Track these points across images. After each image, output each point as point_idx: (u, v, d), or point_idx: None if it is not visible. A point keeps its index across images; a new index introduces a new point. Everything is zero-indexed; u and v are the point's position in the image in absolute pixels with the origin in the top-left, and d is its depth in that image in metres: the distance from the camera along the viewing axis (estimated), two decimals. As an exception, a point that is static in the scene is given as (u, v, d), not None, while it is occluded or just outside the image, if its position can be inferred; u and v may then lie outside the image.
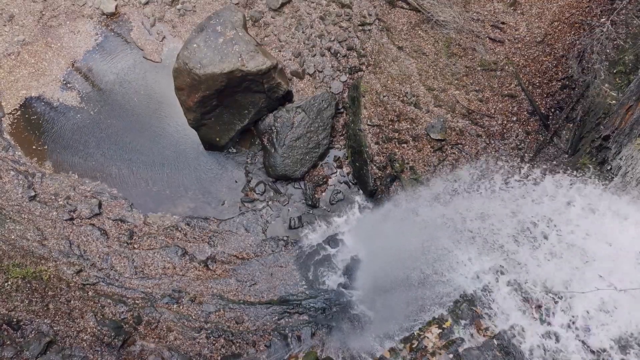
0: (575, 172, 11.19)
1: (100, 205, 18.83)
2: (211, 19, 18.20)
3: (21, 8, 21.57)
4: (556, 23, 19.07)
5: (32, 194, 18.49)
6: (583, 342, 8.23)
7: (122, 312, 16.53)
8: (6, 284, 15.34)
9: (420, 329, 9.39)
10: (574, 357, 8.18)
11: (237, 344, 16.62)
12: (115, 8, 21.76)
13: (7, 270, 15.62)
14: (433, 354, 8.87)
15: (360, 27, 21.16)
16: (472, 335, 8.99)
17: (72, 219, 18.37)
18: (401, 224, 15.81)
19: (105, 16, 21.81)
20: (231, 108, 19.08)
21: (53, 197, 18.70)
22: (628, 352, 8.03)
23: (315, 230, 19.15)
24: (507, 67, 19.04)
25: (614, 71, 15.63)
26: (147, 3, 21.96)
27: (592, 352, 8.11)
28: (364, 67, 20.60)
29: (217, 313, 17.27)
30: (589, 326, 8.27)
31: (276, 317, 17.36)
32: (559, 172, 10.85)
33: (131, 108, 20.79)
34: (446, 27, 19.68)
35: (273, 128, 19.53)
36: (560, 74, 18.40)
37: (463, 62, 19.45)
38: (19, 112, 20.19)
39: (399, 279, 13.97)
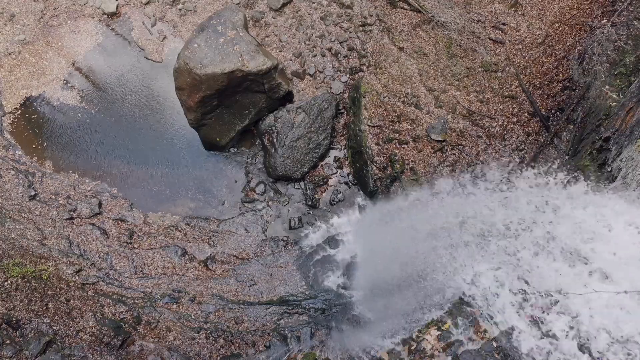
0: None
1: (100, 204, 18.83)
2: (212, 19, 18.20)
3: (22, 7, 21.57)
4: (557, 24, 19.04)
5: (32, 193, 18.49)
6: (581, 345, 8.21)
7: (122, 312, 16.51)
8: (6, 283, 15.31)
9: (419, 331, 9.38)
10: (572, 359, 8.17)
11: (237, 344, 16.60)
12: (116, 8, 21.76)
13: (7, 270, 15.59)
14: (432, 356, 8.85)
15: (361, 28, 21.15)
16: (470, 337, 8.98)
17: (72, 218, 18.37)
18: (401, 225, 15.79)
19: (106, 16, 21.81)
20: (232, 108, 19.08)
21: (53, 197, 18.70)
22: (627, 355, 8.01)
23: (315, 230, 19.14)
24: (507, 68, 19.01)
25: (615, 73, 15.61)
26: (148, 3, 21.95)
27: (591, 354, 8.09)
28: (364, 68, 20.58)
29: (216, 313, 17.26)
30: (587, 328, 8.25)
31: (276, 318, 17.34)
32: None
33: (131, 108, 20.80)
34: (447, 28, 19.66)
35: (273, 128, 19.52)
36: (561, 75, 18.38)
37: (464, 63, 19.43)
38: (19, 112, 20.20)
39: (399, 280, 13.95)
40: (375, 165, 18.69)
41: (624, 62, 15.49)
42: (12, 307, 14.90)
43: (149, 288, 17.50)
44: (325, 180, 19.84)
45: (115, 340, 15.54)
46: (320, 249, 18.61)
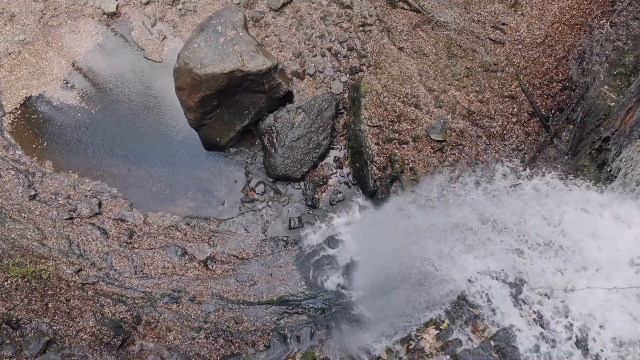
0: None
1: (100, 204, 18.84)
2: (212, 19, 18.21)
3: (22, 7, 21.59)
4: (557, 24, 19.06)
5: (32, 193, 18.50)
6: (579, 343, 8.23)
7: (122, 312, 16.51)
8: (6, 282, 15.32)
9: (417, 330, 9.40)
10: (570, 358, 8.17)
11: (237, 344, 16.60)
12: (116, 8, 21.78)
13: (7, 269, 15.59)
14: (430, 355, 8.87)
15: (361, 28, 21.16)
16: (469, 336, 8.99)
17: (72, 218, 18.38)
18: (401, 225, 15.79)
19: (106, 16, 21.82)
20: (232, 108, 19.09)
21: (53, 197, 18.71)
22: (625, 352, 8.02)
23: (315, 230, 19.14)
24: (507, 68, 19.02)
25: (614, 73, 15.63)
26: (148, 3, 21.97)
27: (589, 353, 8.10)
28: (364, 68, 20.59)
29: (216, 313, 17.26)
30: (585, 327, 8.26)
31: (275, 317, 17.34)
32: None
33: (131, 108, 20.81)
34: (447, 28, 19.67)
35: (273, 128, 19.53)
36: (560, 75, 18.39)
37: (464, 63, 19.44)
38: (19, 111, 20.22)
39: (398, 280, 13.96)
40: (375, 165, 18.70)
41: (623, 62, 15.50)
42: (12, 307, 14.91)
43: (149, 288, 17.51)
44: (325, 180, 19.85)
45: (115, 340, 15.55)
46: (320, 248, 18.62)
